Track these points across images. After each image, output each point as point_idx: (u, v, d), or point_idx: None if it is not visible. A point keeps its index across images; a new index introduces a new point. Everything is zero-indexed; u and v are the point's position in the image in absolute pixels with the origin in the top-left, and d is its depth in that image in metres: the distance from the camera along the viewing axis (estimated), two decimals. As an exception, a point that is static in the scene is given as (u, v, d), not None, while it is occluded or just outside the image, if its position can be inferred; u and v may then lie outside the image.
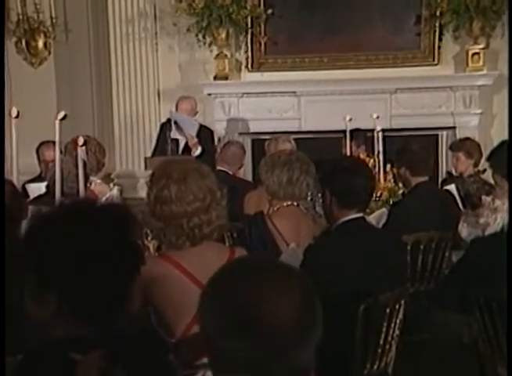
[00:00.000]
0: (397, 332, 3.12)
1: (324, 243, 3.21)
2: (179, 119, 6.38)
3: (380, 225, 4.49)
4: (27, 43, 7.57)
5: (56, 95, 7.47)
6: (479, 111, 7.46)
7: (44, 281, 1.54)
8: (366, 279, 2.98)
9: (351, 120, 5.75)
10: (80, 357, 1.46)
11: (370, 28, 7.56)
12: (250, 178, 7.62)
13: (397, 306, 3.08)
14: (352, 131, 5.81)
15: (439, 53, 7.50)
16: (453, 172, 5.95)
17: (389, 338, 3.09)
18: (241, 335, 1.34)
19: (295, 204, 3.58)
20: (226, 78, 7.60)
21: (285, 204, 3.57)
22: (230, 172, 5.56)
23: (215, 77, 7.62)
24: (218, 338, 1.36)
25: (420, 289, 4.37)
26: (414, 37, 7.57)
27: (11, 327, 1.91)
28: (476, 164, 5.63)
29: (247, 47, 7.69)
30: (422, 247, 4.36)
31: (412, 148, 4.79)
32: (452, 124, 7.51)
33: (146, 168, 6.19)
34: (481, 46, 7.32)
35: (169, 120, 6.50)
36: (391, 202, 5.16)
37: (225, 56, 7.57)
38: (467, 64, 7.36)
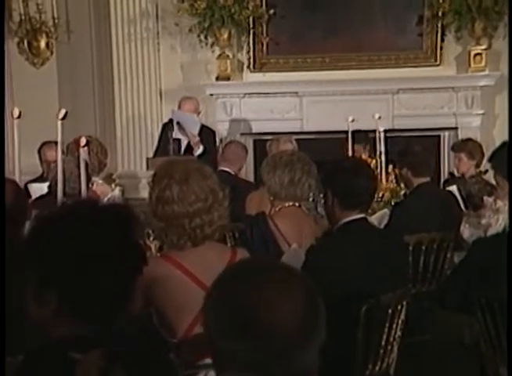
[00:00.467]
0: (399, 333, 3.12)
1: (326, 243, 3.22)
2: (181, 117, 6.38)
3: (382, 226, 4.49)
4: (29, 43, 7.58)
5: (58, 95, 7.47)
6: (481, 112, 7.46)
7: (45, 281, 1.54)
8: (368, 280, 2.98)
9: (353, 120, 5.75)
10: (80, 356, 1.46)
11: (372, 29, 7.56)
12: (251, 178, 7.61)
13: (399, 307, 3.08)
14: (354, 133, 5.80)
15: (441, 54, 7.50)
16: (455, 173, 5.95)
17: (391, 339, 3.09)
18: (244, 337, 1.34)
19: (297, 204, 3.58)
20: (228, 79, 7.60)
21: (287, 204, 3.57)
22: (232, 173, 5.56)
23: (217, 78, 7.62)
24: (222, 339, 1.36)
25: (421, 290, 4.37)
26: (416, 37, 7.56)
27: (11, 327, 1.91)
28: (478, 165, 5.63)
29: (249, 47, 7.69)
30: (424, 247, 4.35)
31: (414, 149, 4.79)
32: (454, 125, 7.51)
33: (147, 168, 6.19)
34: (483, 47, 7.32)
35: (171, 120, 6.49)
36: (393, 203, 5.16)
37: (227, 56, 7.57)
38: (469, 65, 7.36)
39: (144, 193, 2.90)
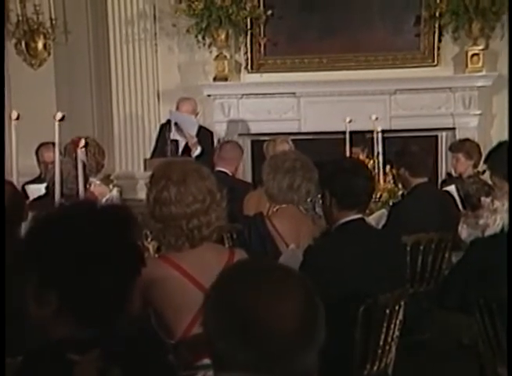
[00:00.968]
0: (397, 333, 3.12)
1: (324, 244, 3.22)
2: (179, 118, 6.38)
3: (380, 226, 4.49)
4: (26, 44, 7.58)
5: (56, 96, 7.47)
6: (478, 112, 7.46)
7: (45, 281, 1.54)
8: (366, 280, 2.98)
9: (350, 121, 5.75)
10: (78, 357, 1.46)
11: (370, 29, 7.56)
12: (249, 179, 7.62)
13: (397, 307, 3.08)
14: (352, 133, 5.81)
15: (438, 54, 7.50)
16: (453, 173, 5.95)
17: (389, 339, 3.09)
18: (243, 338, 1.34)
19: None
20: (226, 79, 7.60)
21: (284, 205, 3.58)
22: (229, 173, 5.56)
23: (215, 79, 7.62)
24: (221, 340, 1.36)
25: (419, 290, 4.37)
26: (413, 38, 7.56)
27: (11, 328, 1.91)
28: (475, 165, 5.64)
29: (247, 48, 7.68)
30: (422, 248, 4.36)
31: (411, 149, 4.80)
32: (451, 125, 7.51)
33: (145, 169, 6.18)
34: (481, 47, 7.32)
35: (168, 121, 6.49)
36: (391, 203, 5.16)
37: (225, 57, 7.57)
38: (467, 65, 7.36)
39: (142, 194, 2.90)
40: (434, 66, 7.52)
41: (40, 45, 7.58)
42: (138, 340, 1.67)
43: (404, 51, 7.56)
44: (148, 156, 6.77)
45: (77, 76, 7.78)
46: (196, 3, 7.25)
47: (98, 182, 4.99)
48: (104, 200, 4.71)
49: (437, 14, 7.28)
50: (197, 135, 6.33)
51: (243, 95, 7.69)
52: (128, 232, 1.61)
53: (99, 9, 7.80)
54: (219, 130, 7.57)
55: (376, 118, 6.08)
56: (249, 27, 7.53)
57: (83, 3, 7.79)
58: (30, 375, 1.52)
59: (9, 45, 7.52)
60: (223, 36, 7.46)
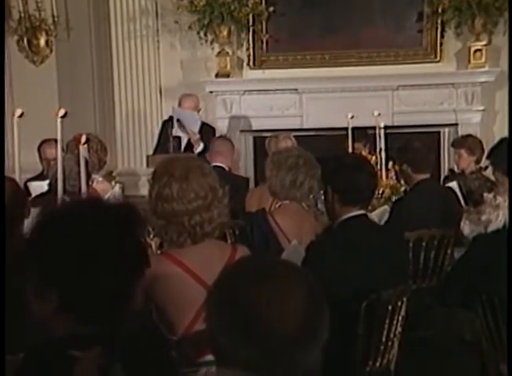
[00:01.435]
0: (399, 329, 3.12)
1: (326, 240, 3.21)
2: (181, 115, 6.38)
3: (382, 223, 4.49)
4: (28, 41, 7.57)
5: (58, 93, 7.47)
6: (481, 108, 7.45)
7: (47, 278, 1.54)
8: (368, 276, 2.98)
9: (352, 117, 5.74)
10: (79, 354, 1.46)
11: (372, 25, 7.55)
12: (251, 175, 7.63)
13: (399, 303, 3.08)
14: (354, 129, 5.80)
15: (441, 50, 7.49)
16: (455, 169, 5.95)
17: (391, 335, 3.09)
18: (246, 335, 1.34)
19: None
20: (228, 76, 7.60)
21: (287, 201, 3.58)
22: (226, 168, 5.53)
23: (217, 75, 7.61)
24: (224, 337, 1.36)
25: (422, 286, 4.37)
26: (416, 34, 7.55)
27: (13, 325, 1.91)
28: (478, 161, 5.63)
29: (249, 44, 7.68)
30: (424, 244, 4.35)
31: (414, 145, 4.79)
32: (454, 121, 7.50)
33: (147, 165, 6.18)
34: (483, 43, 7.31)
35: (171, 117, 6.49)
36: (393, 199, 5.16)
37: (227, 53, 7.57)
38: (469, 61, 7.35)
39: (144, 190, 2.90)
40: (437, 62, 7.51)
41: (42, 42, 7.57)
42: (141, 336, 1.67)
43: (406, 47, 7.55)
44: (150, 152, 6.77)
45: (79, 73, 7.78)
46: (198, 0, 7.24)
47: (100, 179, 4.99)
48: (106, 196, 4.71)
49: (439, 10, 7.27)
50: (200, 131, 6.33)
51: (245, 91, 7.68)
52: (133, 230, 1.60)
53: (101, 6, 7.79)
54: (221, 126, 7.57)
55: (379, 114, 6.07)
56: (251, 23, 7.52)
57: (85, 0, 7.79)
58: (31, 372, 1.52)
59: (11, 42, 7.52)
60: (225, 32, 7.46)
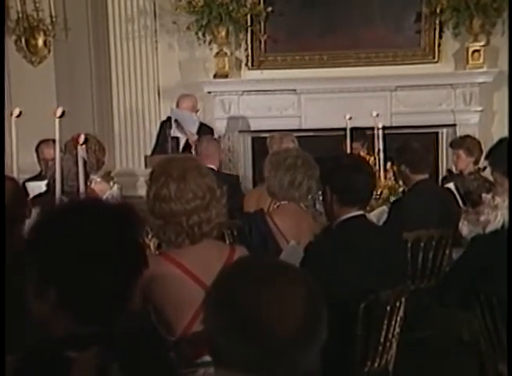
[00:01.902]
0: (397, 329, 3.12)
1: (325, 240, 3.21)
2: (180, 116, 6.38)
3: (381, 223, 4.49)
4: (26, 41, 7.57)
5: (56, 93, 7.46)
6: (479, 109, 7.45)
7: (46, 277, 1.54)
8: (367, 276, 2.98)
9: (351, 118, 5.74)
10: (76, 355, 1.45)
11: (370, 26, 7.55)
12: (250, 175, 7.64)
13: (397, 304, 3.08)
14: (352, 130, 5.80)
15: (439, 51, 7.49)
16: (453, 170, 5.94)
17: (390, 336, 3.09)
18: (245, 337, 1.33)
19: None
20: (226, 76, 7.59)
21: (285, 201, 3.57)
22: (215, 168, 5.51)
23: (215, 75, 7.61)
24: (222, 339, 1.35)
25: (420, 286, 4.37)
26: (414, 34, 7.55)
27: (12, 326, 1.91)
28: (476, 162, 5.63)
29: (247, 45, 7.68)
30: (422, 244, 4.36)
31: (412, 146, 4.79)
32: (452, 122, 7.50)
33: (146, 166, 6.18)
34: (482, 43, 7.31)
35: (169, 118, 6.49)
36: (392, 200, 5.16)
37: (225, 53, 7.57)
38: (467, 62, 7.35)
39: (142, 191, 2.89)
40: (435, 62, 7.51)
41: (40, 42, 7.57)
42: (139, 337, 1.67)
43: (405, 47, 7.55)
44: (148, 153, 6.77)
45: (78, 73, 7.78)
46: (197, 0, 7.24)
47: (98, 180, 4.98)
48: (104, 197, 4.71)
49: (437, 10, 7.28)
50: (198, 132, 6.33)
51: (243, 91, 7.68)
52: (131, 231, 1.60)
53: (99, 6, 7.79)
54: (220, 127, 7.58)
55: (377, 115, 6.07)
56: (249, 23, 7.52)
57: (83, 0, 7.78)
58: (29, 372, 1.52)
59: (9, 42, 7.52)
60: (223, 33, 7.45)
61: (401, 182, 5.22)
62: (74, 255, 1.52)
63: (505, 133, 4.47)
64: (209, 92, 7.65)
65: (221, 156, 5.77)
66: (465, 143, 5.72)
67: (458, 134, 7.06)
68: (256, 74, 7.73)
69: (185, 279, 2.49)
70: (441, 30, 7.43)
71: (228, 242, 4.09)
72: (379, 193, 5.24)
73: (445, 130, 7.62)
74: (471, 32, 7.26)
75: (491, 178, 4.56)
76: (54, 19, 7.41)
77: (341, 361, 2.90)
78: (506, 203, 3.94)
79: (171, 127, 6.34)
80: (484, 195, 4.42)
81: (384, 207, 4.90)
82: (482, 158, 5.34)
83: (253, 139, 7.78)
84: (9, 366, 1.61)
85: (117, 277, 1.55)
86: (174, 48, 7.76)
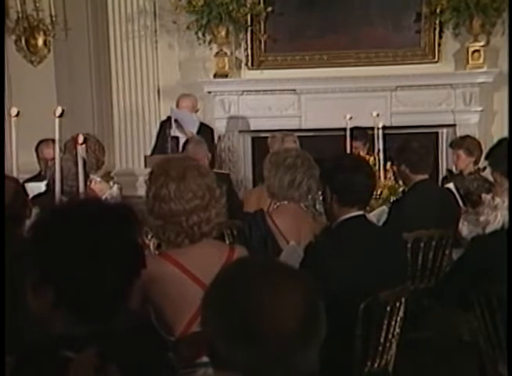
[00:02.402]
0: (397, 330, 3.11)
1: (325, 240, 3.21)
2: (179, 116, 6.37)
3: (381, 223, 4.48)
4: (26, 41, 7.57)
5: (56, 93, 7.46)
6: (479, 109, 7.45)
7: (43, 276, 1.54)
8: (367, 277, 2.98)
9: (351, 118, 5.73)
10: (73, 355, 1.45)
11: (370, 26, 7.55)
12: (250, 175, 7.63)
13: (397, 304, 3.08)
14: (352, 130, 5.80)
15: (439, 51, 7.49)
16: (453, 170, 5.94)
17: (389, 336, 3.09)
18: (243, 339, 1.33)
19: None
20: (226, 76, 7.59)
21: (285, 201, 3.57)
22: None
23: (215, 75, 7.61)
24: (221, 340, 1.35)
25: (420, 287, 4.36)
26: (414, 34, 7.55)
27: (12, 325, 1.91)
28: (476, 162, 5.63)
29: (247, 45, 7.67)
30: (422, 244, 4.35)
31: (412, 146, 4.78)
32: (452, 122, 7.50)
33: (145, 166, 6.18)
34: (482, 43, 7.30)
35: (169, 118, 6.49)
36: (392, 200, 5.15)
37: (225, 53, 7.56)
38: (467, 62, 7.35)
39: (142, 190, 2.89)
40: (435, 62, 7.50)
41: (40, 42, 7.57)
42: (139, 337, 1.67)
43: (405, 47, 7.55)
44: (148, 152, 6.77)
45: (78, 73, 7.78)
46: (196, 0, 7.23)
47: (98, 179, 4.98)
48: (104, 197, 4.71)
49: (437, 10, 7.27)
50: (198, 132, 6.33)
51: (243, 91, 7.68)
52: (129, 230, 1.60)
53: (99, 6, 7.79)
54: (219, 127, 7.58)
55: (377, 115, 6.06)
56: (249, 23, 7.51)
57: (83, 0, 7.78)
58: (26, 372, 1.51)
59: (9, 42, 7.52)
60: (223, 33, 7.45)
61: (401, 182, 5.21)
62: (72, 254, 1.51)
63: (505, 133, 4.47)
64: (209, 92, 7.65)
65: (209, 157, 5.63)
66: (465, 143, 5.71)
67: (458, 134, 7.05)
68: (256, 73, 7.73)
69: (184, 279, 2.49)
70: (441, 30, 7.42)
71: (228, 242, 4.08)
72: (379, 193, 5.24)
73: (445, 130, 7.61)
74: (471, 32, 7.26)
75: (491, 178, 4.56)
76: (54, 19, 7.42)
77: (341, 361, 2.90)
78: (506, 203, 3.94)
79: (170, 127, 6.33)
80: (484, 195, 4.42)
81: (384, 208, 4.89)
82: (482, 158, 5.34)
83: (253, 138, 7.78)
84: (8, 365, 1.61)
85: (115, 277, 1.55)
86: (174, 48, 7.76)
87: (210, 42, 7.51)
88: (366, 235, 3.15)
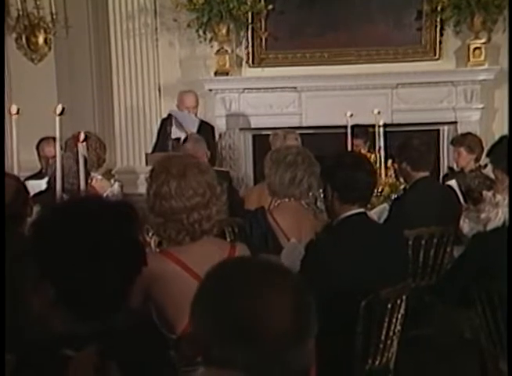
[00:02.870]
0: (398, 327, 3.11)
1: (326, 238, 3.21)
2: (179, 117, 6.38)
3: (382, 221, 4.48)
4: (27, 39, 7.56)
5: (57, 91, 7.46)
6: (480, 106, 7.44)
7: (44, 274, 1.53)
8: (368, 274, 2.98)
9: (352, 115, 5.73)
10: (73, 353, 1.45)
11: (371, 23, 7.54)
12: (251, 173, 7.63)
13: (398, 301, 3.08)
14: (353, 127, 5.79)
15: (440, 48, 7.47)
16: (454, 167, 5.94)
17: (391, 333, 3.09)
18: (237, 339, 1.33)
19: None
20: (227, 74, 7.58)
21: (286, 199, 3.57)
22: None
23: (216, 73, 7.60)
24: (214, 342, 1.35)
25: (421, 284, 4.36)
26: (415, 32, 7.54)
27: (12, 324, 1.91)
28: (477, 159, 5.63)
29: (248, 42, 7.66)
30: (423, 242, 4.35)
31: (413, 143, 4.78)
32: (453, 119, 7.49)
33: (146, 163, 6.18)
34: (483, 41, 7.29)
35: (170, 115, 6.49)
36: (393, 197, 5.15)
37: (226, 51, 7.56)
38: (469, 59, 7.34)
39: (143, 188, 2.89)
40: (436, 60, 7.49)
41: (40, 40, 7.56)
42: (139, 335, 1.67)
43: (406, 45, 7.54)
44: (149, 150, 6.77)
45: (78, 71, 7.77)
46: (197, -3, 7.23)
47: (99, 177, 4.99)
48: (105, 194, 4.71)
49: (438, 8, 7.26)
50: (198, 130, 6.33)
51: (244, 89, 7.67)
52: (130, 228, 1.60)
53: (99, 4, 7.78)
54: (220, 124, 7.57)
55: (378, 112, 6.06)
56: (250, 21, 7.50)
57: (84, -2, 7.79)
58: (27, 371, 1.51)
59: (10, 40, 7.52)
60: (224, 30, 7.44)
61: (402, 180, 5.21)
62: (73, 252, 1.51)
63: (506, 131, 4.47)
64: (210, 90, 7.64)
65: (208, 155, 5.62)
66: (466, 141, 5.71)
67: (459, 131, 7.04)
68: (257, 71, 7.72)
69: (185, 276, 2.49)
70: (442, 28, 7.41)
71: (229, 239, 4.08)
72: (380, 190, 5.24)
73: (446, 127, 7.60)
74: (472, 29, 7.25)
75: (492, 175, 4.55)
76: (54, 17, 7.41)
77: (342, 359, 2.90)
78: (507, 200, 3.93)
79: (171, 124, 6.33)
80: (485, 192, 4.42)
81: (385, 205, 4.89)
82: (483, 156, 5.34)
83: (254, 136, 7.77)
84: (8, 364, 1.61)
85: (116, 275, 1.55)
86: (174, 46, 7.76)
87: (210, 40, 7.50)
88: (367, 232, 3.15)
